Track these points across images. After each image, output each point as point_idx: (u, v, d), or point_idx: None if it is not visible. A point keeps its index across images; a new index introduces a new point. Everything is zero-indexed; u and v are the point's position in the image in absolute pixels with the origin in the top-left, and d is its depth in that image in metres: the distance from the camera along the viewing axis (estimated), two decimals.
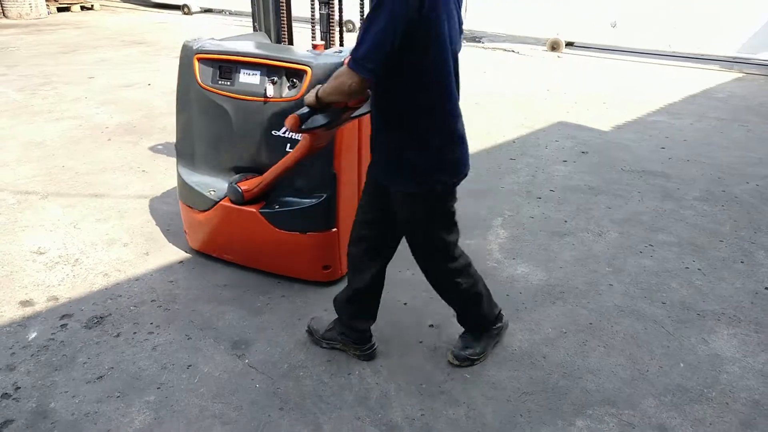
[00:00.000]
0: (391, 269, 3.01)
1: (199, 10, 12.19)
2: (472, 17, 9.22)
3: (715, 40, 7.73)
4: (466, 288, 2.27)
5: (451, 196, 2.12)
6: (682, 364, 2.40)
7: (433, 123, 1.95)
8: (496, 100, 6.21)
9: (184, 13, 12.42)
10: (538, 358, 2.44)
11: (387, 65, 1.78)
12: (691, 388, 2.28)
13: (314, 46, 2.90)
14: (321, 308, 2.71)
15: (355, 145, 2.74)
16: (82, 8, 12.96)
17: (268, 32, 3.37)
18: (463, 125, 2.04)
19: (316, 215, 2.72)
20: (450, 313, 2.68)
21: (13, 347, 2.44)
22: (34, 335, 2.51)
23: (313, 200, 2.70)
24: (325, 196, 2.69)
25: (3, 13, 11.61)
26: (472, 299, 2.32)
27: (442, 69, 1.89)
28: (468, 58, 8.35)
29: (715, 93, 6.65)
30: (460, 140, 2.03)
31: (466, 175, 2.09)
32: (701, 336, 2.57)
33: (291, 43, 3.40)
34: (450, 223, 2.17)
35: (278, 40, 3.35)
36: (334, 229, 2.76)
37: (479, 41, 9.41)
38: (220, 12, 12.34)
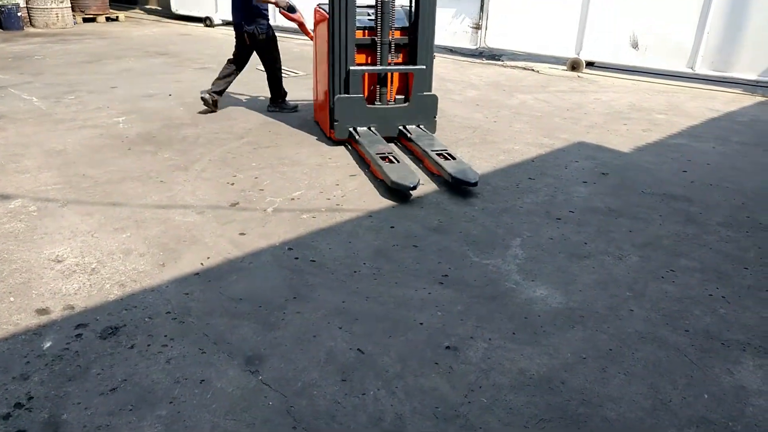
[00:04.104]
0: (406, 289, 3.01)
1: (221, 22, 12.37)
2: (492, 35, 9.25)
3: (738, 63, 7.65)
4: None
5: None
6: (706, 395, 2.33)
7: None
8: (514, 119, 6.18)
9: (206, 26, 12.63)
10: (556, 383, 2.38)
11: None
12: (716, 421, 2.20)
13: None
14: (336, 327, 2.68)
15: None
16: (108, 19, 13.21)
17: None
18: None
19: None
20: (467, 334, 2.65)
21: (28, 356, 2.43)
22: (49, 344, 2.51)
23: None
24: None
25: (30, 22, 11.86)
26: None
27: None
28: (486, 75, 8.35)
29: (738, 117, 6.56)
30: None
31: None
32: (726, 366, 2.50)
33: None
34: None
35: None
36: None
37: (498, 59, 9.41)
38: None
